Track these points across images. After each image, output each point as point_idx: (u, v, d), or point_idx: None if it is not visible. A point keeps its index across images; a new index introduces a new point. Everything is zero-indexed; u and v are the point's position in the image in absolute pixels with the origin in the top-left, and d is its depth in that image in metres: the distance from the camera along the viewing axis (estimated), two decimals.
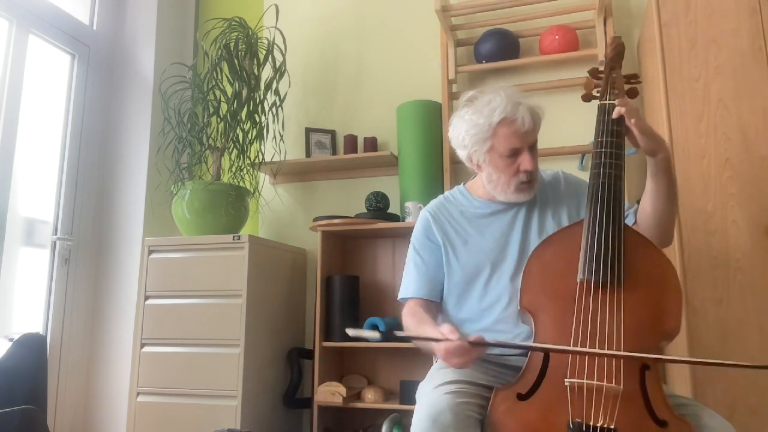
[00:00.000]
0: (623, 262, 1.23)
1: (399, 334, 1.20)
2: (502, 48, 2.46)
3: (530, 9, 2.52)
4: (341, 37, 2.87)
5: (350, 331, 1.17)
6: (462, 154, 1.47)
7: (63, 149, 2.57)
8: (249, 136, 2.57)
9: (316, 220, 2.47)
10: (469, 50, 2.64)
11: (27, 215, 2.40)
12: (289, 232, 2.77)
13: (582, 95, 1.50)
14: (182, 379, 2.20)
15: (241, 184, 2.55)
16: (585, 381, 1.13)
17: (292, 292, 2.59)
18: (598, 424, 1.09)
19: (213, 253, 2.28)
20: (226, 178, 2.64)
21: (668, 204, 1.35)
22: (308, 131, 2.74)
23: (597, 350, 1.16)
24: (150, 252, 2.35)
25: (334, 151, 2.74)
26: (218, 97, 2.54)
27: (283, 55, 2.61)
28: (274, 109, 2.59)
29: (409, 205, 2.37)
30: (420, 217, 1.55)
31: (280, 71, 2.58)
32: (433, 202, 1.58)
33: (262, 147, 2.62)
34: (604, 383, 1.12)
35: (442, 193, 1.63)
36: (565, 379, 1.14)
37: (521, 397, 1.16)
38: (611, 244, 1.24)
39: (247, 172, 2.60)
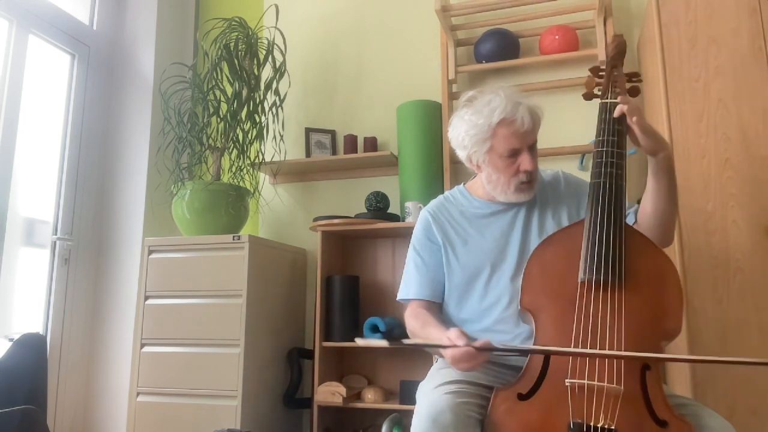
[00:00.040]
0: (624, 262, 1.23)
1: (407, 342, 1.20)
2: (502, 48, 2.46)
3: (530, 9, 2.52)
4: (341, 37, 2.87)
5: (360, 341, 1.17)
6: (462, 154, 1.47)
7: (63, 149, 2.57)
8: (249, 136, 2.57)
9: (316, 220, 2.47)
10: (469, 50, 2.64)
11: (27, 215, 2.40)
12: (289, 232, 2.77)
13: (583, 94, 1.49)
14: (182, 379, 2.20)
15: (241, 184, 2.55)
16: (586, 382, 1.13)
17: (292, 292, 2.59)
18: (599, 425, 1.09)
19: (213, 253, 2.28)
20: (226, 178, 2.64)
21: (669, 204, 1.35)
22: (308, 131, 2.74)
23: (601, 352, 1.16)
24: (150, 252, 2.35)
25: (334, 151, 2.74)
26: (218, 97, 2.54)
27: (283, 55, 2.61)
28: (274, 109, 2.59)
29: (409, 205, 2.37)
30: (420, 218, 1.55)
31: (280, 71, 2.58)
32: (433, 202, 1.57)
33: (262, 147, 2.62)
34: (605, 384, 1.12)
35: (442, 193, 1.63)
36: (566, 380, 1.14)
37: (522, 397, 1.16)
38: (612, 244, 1.24)
39: (247, 172, 2.60)
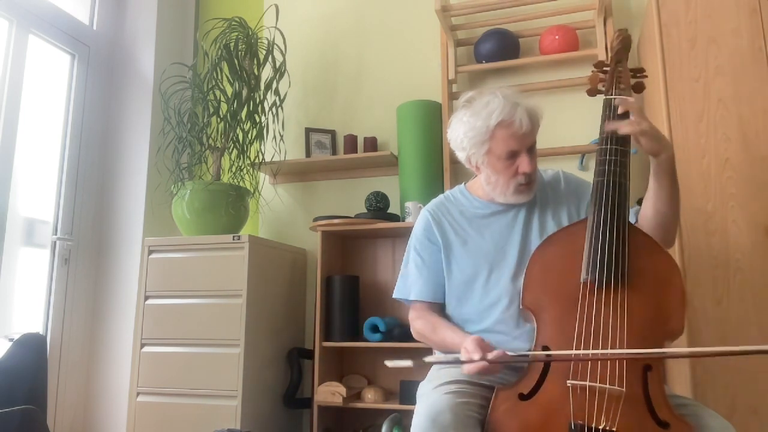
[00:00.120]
0: (627, 262, 1.22)
1: (428, 360, 1.21)
2: (502, 48, 2.46)
3: (530, 9, 2.52)
4: (341, 37, 2.87)
5: (389, 363, 1.19)
6: (461, 155, 1.47)
7: (63, 149, 2.57)
8: (249, 136, 2.57)
9: (316, 220, 2.47)
10: (469, 50, 2.63)
11: (27, 215, 2.40)
12: (289, 232, 2.77)
13: (587, 90, 1.47)
14: (182, 379, 2.20)
15: (241, 184, 2.55)
16: (587, 383, 1.13)
17: (292, 292, 2.59)
18: (600, 426, 1.08)
19: (213, 253, 2.28)
20: (226, 178, 2.64)
21: (670, 205, 1.34)
22: (308, 131, 2.74)
23: (611, 351, 1.15)
24: (150, 252, 2.35)
25: (334, 151, 2.74)
26: (218, 97, 2.54)
27: (283, 55, 2.61)
28: (274, 109, 2.59)
29: (409, 205, 2.37)
30: (420, 217, 1.55)
31: (280, 71, 2.58)
32: (434, 202, 1.57)
33: (262, 147, 2.62)
34: (607, 386, 1.12)
35: (443, 192, 1.63)
36: (567, 381, 1.14)
37: (523, 398, 1.16)
38: (615, 244, 1.23)
39: (247, 172, 2.60)
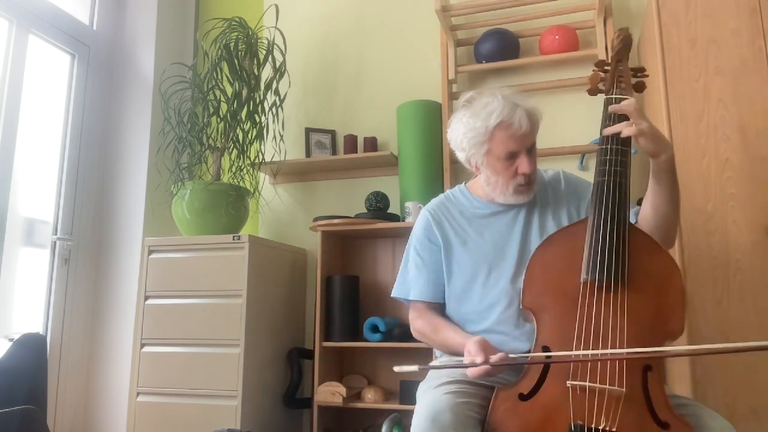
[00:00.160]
0: (627, 263, 1.22)
1: (433, 365, 1.25)
2: (502, 48, 2.46)
3: (530, 9, 2.52)
4: (341, 37, 2.87)
5: (397, 369, 1.22)
6: (461, 156, 1.47)
7: (63, 149, 2.57)
8: (249, 136, 2.57)
9: (316, 220, 2.47)
10: (469, 50, 2.63)
11: (27, 215, 2.40)
12: (289, 232, 2.77)
13: (588, 89, 1.47)
14: (182, 379, 2.20)
15: (241, 184, 2.55)
16: (587, 384, 1.13)
17: (292, 292, 2.59)
18: (600, 427, 1.08)
19: (213, 253, 2.28)
20: (226, 178, 2.64)
21: (669, 206, 1.33)
22: (308, 131, 2.74)
23: (609, 351, 1.15)
24: (150, 252, 2.35)
25: (334, 151, 2.74)
26: (218, 97, 2.54)
27: (283, 55, 2.61)
28: (274, 109, 2.59)
29: (409, 205, 2.37)
30: (420, 217, 1.55)
31: (280, 71, 2.58)
32: (434, 202, 1.57)
33: (262, 147, 2.62)
34: (607, 386, 1.12)
35: (443, 192, 1.63)
36: (567, 381, 1.14)
37: (523, 398, 1.16)
38: (616, 244, 1.23)
39: (247, 172, 2.60)
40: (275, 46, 2.63)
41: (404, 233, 2.34)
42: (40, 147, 2.48)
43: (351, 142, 2.64)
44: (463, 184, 1.59)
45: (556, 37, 2.40)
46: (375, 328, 2.26)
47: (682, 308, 1.21)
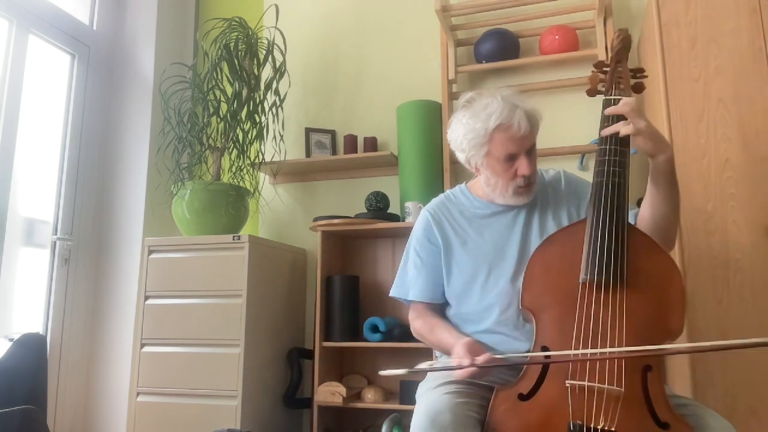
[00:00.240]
0: (626, 263, 1.22)
1: (420, 367, 1.23)
2: (502, 48, 2.46)
3: (530, 9, 2.52)
4: (341, 37, 2.87)
5: (383, 372, 1.23)
6: (461, 156, 1.47)
7: (63, 149, 2.57)
8: (249, 136, 2.57)
9: (316, 220, 2.47)
10: (469, 50, 2.63)
11: (27, 215, 2.40)
12: (289, 232, 2.77)
13: (587, 90, 1.47)
14: (182, 379, 2.20)
15: (241, 184, 2.55)
16: (586, 383, 1.13)
17: (292, 292, 2.59)
18: (599, 426, 1.08)
19: (213, 253, 2.28)
20: (226, 178, 2.64)
21: (668, 208, 1.32)
22: (308, 131, 2.74)
23: (598, 350, 1.15)
24: (150, 252, 2.35)
25: (334, 151, 2.74)
26: (218, 97, 2.54)
27: (283, 55, 2.61)
28: (274, 109, 2.59)
29: (409, 205, 2.37)
30: (420, 217, 1.55)
31: (280, 71, 2.58)
32: (434, 202, 1.57)
33: (262, 147, 2.62)
34: (605, 386, 1.12)
35: (443, 192, 1.63)
36: (566, 381, 1.14)
37: (522, 398, 1.16)
38: (614, 245, 1.23)
39: (247, 172, 2.60)
40: (275, 46, 2.63)
41: (404, 233, 2.34)
42: (40, 147, 2.48)
43: (351, 142, 2.64)
44: (464, 184, 1.59)
45: (556, 37, 2.40)
46: (375, 328, 2.26)
47: (681, 308, 1.21)
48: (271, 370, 2.38)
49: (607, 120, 1.34)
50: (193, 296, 2.26)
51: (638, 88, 1.44)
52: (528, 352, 1.26)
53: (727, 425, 1.12)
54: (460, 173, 2.47)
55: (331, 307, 2.33)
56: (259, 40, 2.64)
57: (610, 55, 1.44)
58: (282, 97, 2.61)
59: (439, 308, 1.50)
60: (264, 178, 2.83)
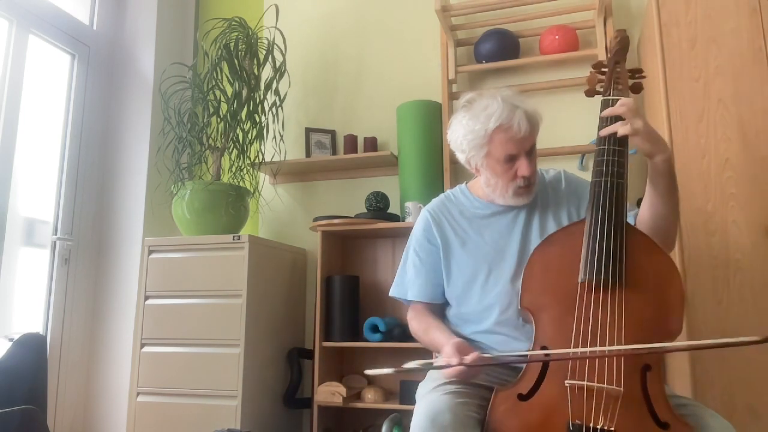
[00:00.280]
0: (625, 263, 1.22)
1: (409, 366, 1.23)
2: (502, 48, 2.46)
3: (530, 9, 2.52)
4: (341, 37, 2.87)
5: (369, 372, 1.25)
6: (461, 157, 1.47)
7: (63, 149, 2.57)
8: (249, 136, 2.57)
9: (316, 220, 2.47)
10: (469, 50, 2.63)
11: (27, 215, 2.40)
12: (289, 232, 2.77)
13: (585, 90, 1.47)
14: (182, 379, 2.20)
15: (241, 184, 2.55)
16: (585, 383, 1.13)
17: (292, 292, 2.59)
18: (598, 426, 1.08)
19: (213, 253, 2.28)
20: (226, 178, 2.64)
21: (668, 208, 1.32)
22: (308, 131, 2.74)
23: (588, 349, 1.16)
24: (150, 252, 2.35)
25: (334, 151, 2.74)
26: (218, 97, 2.54)
27: (283, 55, 2.61)
28: (274, 109, 2.59)
29: (409, 205, 2.37)
30: (420, 217, 1.55)
31: (280, 71, 2.58)
32: (434, 201, 1.57)
33: (262, 147, 2.62)
34: (605, 385, 1.12)
35: (443, 192, 1.63)
36: (566, 381, 1.14)
37: (522, 398, 1.16)
38: (613, 245, 1.23)
39: (247, 172, 2.60)
40: (275, 46, 2.63)
41: (404, 233, 2.34)
42: (40, 147, 2.48)
43: (351, 142, 2.64)
44: (464, 184, 1.59)
45: (556, 37, 2.40)
46: (375, 328, 2.26)
47: (680, 308, 1.21)
48: (271, 370, 2.38)
49: (606, 120, 1.34)
50: (193, 296, 2.26)
51: (636, 89, 1.44)
52: (527, 351, 1.26)
53: (727, 425, 1.12)
54: (460, 173, 2.47)
55: (331, 307, 2.33)
56: (259, 40, 2.64)
57: (608, 56, 1.44)
58: (282, 97, 2.61)
59: (439, 308, 1.50)
60: (264, 178, 2.84)
